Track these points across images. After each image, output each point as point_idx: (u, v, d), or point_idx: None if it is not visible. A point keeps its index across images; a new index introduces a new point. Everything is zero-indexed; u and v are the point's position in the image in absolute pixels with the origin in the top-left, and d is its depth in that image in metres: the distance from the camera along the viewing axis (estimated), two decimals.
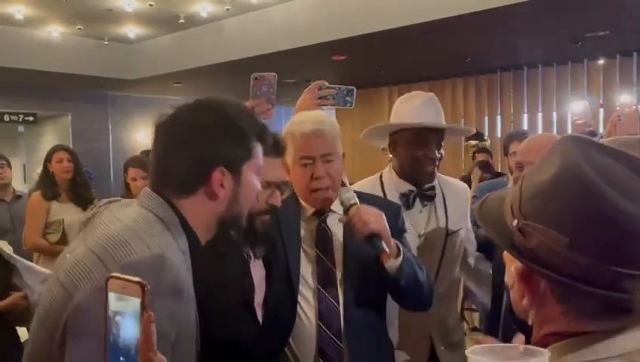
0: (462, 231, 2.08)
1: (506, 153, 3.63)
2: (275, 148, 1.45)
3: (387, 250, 1.45)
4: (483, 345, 0.62)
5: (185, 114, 1.11)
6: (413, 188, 2.02)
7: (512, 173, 3.64)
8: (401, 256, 1.52)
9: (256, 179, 1.15)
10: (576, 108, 3.07)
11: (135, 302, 0.71)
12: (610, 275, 0.67)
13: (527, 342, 0.79)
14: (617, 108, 5.04)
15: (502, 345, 0.64)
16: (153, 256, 0.95)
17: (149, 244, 0.97)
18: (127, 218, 1.05)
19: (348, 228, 1.56)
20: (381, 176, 2.11)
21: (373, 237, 1.46)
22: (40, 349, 1.00)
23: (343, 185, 1.70)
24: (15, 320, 2.48)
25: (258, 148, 1.14)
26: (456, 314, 2.15)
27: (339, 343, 1.56)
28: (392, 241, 1.52)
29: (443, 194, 2.07)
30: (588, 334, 0.70)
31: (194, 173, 1.07)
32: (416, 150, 1.98)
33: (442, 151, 2.03)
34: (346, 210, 1.53)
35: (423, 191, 2.02)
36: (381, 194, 2.00)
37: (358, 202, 1.53)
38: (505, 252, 0.78)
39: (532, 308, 0.74)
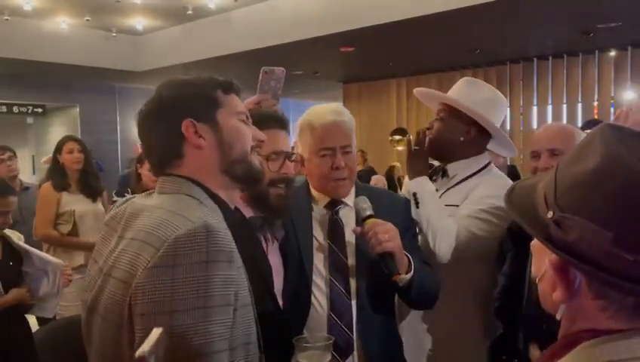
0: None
1: None
2: (277, 120, 1.52)
3: (399, 271, 1.47)
4: None
5: (150, 98, 1.20)
6: (435, 164, 2.04)
7: None
8: (412, 271, 1.53)
9: (241, 123, 1.20)
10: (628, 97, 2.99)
11: None
12: None
13: (548, 340, 0.76)
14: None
15: None
16: (197, 226, 0.98)
17: (190, 218, 1.01)
18: (158, 203, 1.10)
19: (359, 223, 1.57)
20: None
21: (386, 256, 1.47)
22: (110, 342, 1.05)
23: (360, 189, 1.70)
24: (26, 309, 2.51)
25: (227, 97, 1.20)
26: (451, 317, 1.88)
27: (349, 333, 1.57)
28: (404, 257, 1.52)
29: (468, 178, 1.96)
30: (625, 331, 0.67)
31: (170, 135, 1.14)
32: None
33: (459, 131, 1.95)
34: (362, 221, 1.53)
35: (440, 168, 2.01)
36: None
37: (373, 214, 1.53)
38: (534, 241, 0.75)
39: (564, 302, 0.72)
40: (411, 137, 2.10)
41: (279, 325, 1.40)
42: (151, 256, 0.97)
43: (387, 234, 1.48)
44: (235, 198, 1.22)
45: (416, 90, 2.16)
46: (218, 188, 1.15)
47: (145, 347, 0.75)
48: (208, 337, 0.95)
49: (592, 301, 0.69)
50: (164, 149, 1.16)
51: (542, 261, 0.74)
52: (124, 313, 1.00)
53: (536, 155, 1.86)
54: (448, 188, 1.96)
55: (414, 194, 1.86)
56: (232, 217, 1.13)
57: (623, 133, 0.70)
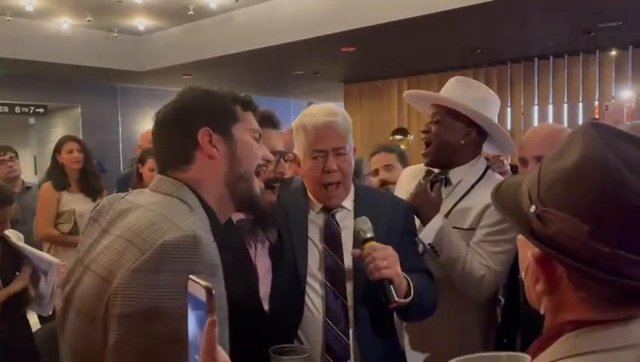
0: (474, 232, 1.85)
1: None
2: (270, 120, 1.54)
3: (397, 299, 1.44)
4: (465, 356, 0.62)
5: (171, 101, 1.22)
6: (434, 170, 1.94)
7: None
8: (411, 296, 1.49)
9: (253, 141, 1.22)
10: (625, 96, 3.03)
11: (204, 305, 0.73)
12: (631, 264, 0.66)
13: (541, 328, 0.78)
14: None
15: (484, 354, 0.64)
16: (186, 235, 0.97)
17: (178, 224, 1.00)
18: (149, 203, 1.10)
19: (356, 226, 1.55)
20: None
21: (385, 283, 1.44)
22: (81, 335, 1.04)
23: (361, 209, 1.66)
24: (26, 301, 2.53)
25: (245, 114, 1.22)
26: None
27: (345, 339, 1.54)
28: (403, 281, 1.49)
29: (472, 188, 1.88)
30: (605, 322, 0.69)
31: (185, 140, 1.16)
32: None
33: (459, 134, 1.85)
34: (361, 243, 1.50)
35: (436, 176, 1.92)
36: (421, 176, 1.95)
37: (373, 236, 1.49)
38: (519, 236, 0.77)
39: (546, 295, 0.74)
40: (412, 137, 2.07)
41: (262, 330, 1.38)
42: (136, 257, 0.96)
43: (386, 261, 1.43)
44: (225, 214, 1.21)
45: (405, 94, 2.09)
46: (214, 198, 1.15)
47: (203, 282, 0.76)
48: (184, 346, 0.94)
49: (573, 293, 0.72)
50: (175, 152, 1.17)
51: (526, 255, 0.76)
52: (100, 309, 0.98)
53: (524, 162, 1.84)
54: (455, 205, 1.88)
55: (431, 246, 1.77)
56: (219, 229, 1.12)
57: (605, 131, 0.72)
